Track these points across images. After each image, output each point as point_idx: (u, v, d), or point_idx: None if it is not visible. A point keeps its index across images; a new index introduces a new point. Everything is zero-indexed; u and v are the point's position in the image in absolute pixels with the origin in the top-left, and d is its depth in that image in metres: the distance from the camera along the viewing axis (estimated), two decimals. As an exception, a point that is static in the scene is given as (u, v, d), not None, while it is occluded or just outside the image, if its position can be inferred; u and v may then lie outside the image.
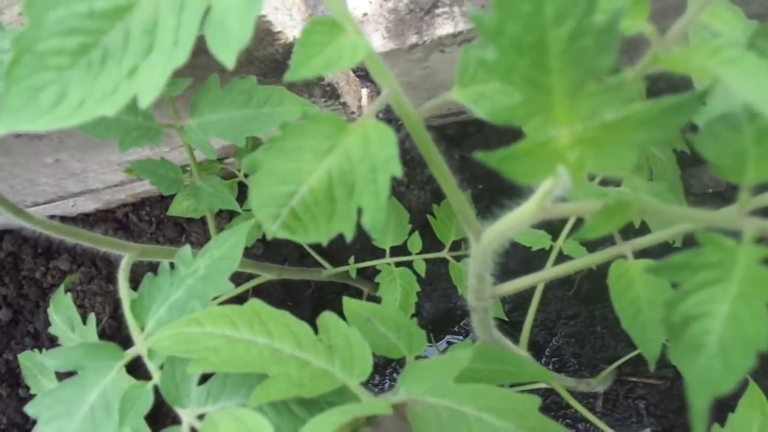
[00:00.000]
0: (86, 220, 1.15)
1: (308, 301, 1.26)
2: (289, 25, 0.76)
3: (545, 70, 0.27)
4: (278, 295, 1.22)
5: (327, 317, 0.53)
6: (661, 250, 0.59)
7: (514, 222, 0.45)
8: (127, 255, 0.75)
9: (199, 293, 0.59)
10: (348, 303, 0.65)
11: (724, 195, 1.14)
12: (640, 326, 0.51)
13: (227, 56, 0.34)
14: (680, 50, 0.31)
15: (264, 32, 0.72)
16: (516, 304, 1.29)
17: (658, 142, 0.28)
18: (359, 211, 0.42)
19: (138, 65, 0.35)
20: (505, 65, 0.27)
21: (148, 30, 0.35)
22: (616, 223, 0.34)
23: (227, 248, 0.62)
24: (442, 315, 1.34)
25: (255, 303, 0.52)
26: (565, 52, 0.26)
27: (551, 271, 0.59)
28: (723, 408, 1.06)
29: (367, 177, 0.40)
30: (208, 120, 0.72)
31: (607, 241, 1.03)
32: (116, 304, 1.13)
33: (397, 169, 0.40)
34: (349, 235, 0.43)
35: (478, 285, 0.60)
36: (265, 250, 1.15)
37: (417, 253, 0.98)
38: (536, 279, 0.61)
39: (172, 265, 0.64)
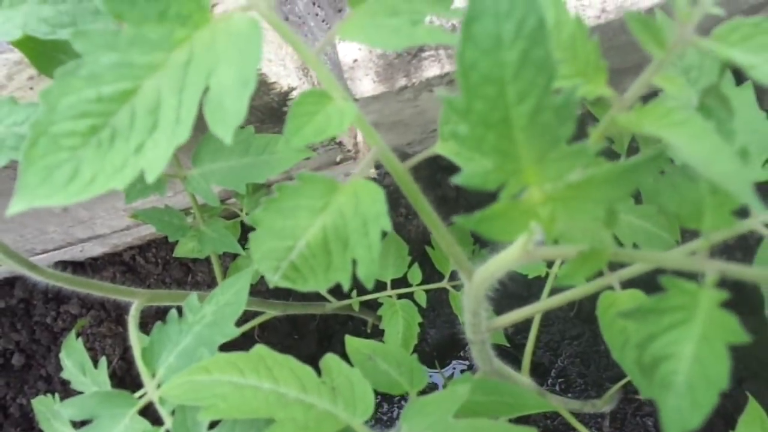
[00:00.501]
0: (94, 264, 1.18)
1: (314, 333, 1.28)
2: (283, 74, 0.79)
3: (512, 141, 0.30)
4: (284, 330, 1.24)
5: (329, 359, 0.55)
6: (649, 278, 0.61)
7: (501, 264, 0.48)
8: (136, 301, 0.77)
9: (206, 340, 0.61)
10: (350, 341, 0.68)
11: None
12: (628, 356, 0.54)
13: (225, 133, 0.37)
14: (635, 114, 0.34)
15: (259, 83, 0.76)
16: (518, 327, 1.30)
17: (621, 199, 0.30)
18: (354, 262, 0.45)
19: (144, 142, 0.38)
20: (476, 138, 0.30)
21: (152, 110, 0.38)
22: (590, 268, 0.36)
23: (232, 294, 0.65)
24: (446, 341, 1.36)
25: (260, 349, 0.54)
26: (528, 126, 0.29)
27: (546, 303, 0.62)
28: (727, 424, 1.07)
29: (360, 231, 0.43)
30: (209, 169, 0.76)
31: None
32: (126, 346, 1.15)
33: (387, 224, 0.42)
34: (346, 285, 0.46)
35: (473, 320, 0.63)
36: (268, 287, 1.18)
37: (417, 284, 1.01)
38: (531, 311, 0.64)
39: (180, 311, 0.67)
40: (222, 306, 0.64)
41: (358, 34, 0.42)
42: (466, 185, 0.31)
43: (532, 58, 0.26)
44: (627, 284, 0.60)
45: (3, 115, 0.52)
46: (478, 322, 0.63)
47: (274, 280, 0.49)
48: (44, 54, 0.64)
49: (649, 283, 0.63)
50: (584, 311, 1.31)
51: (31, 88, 0.70)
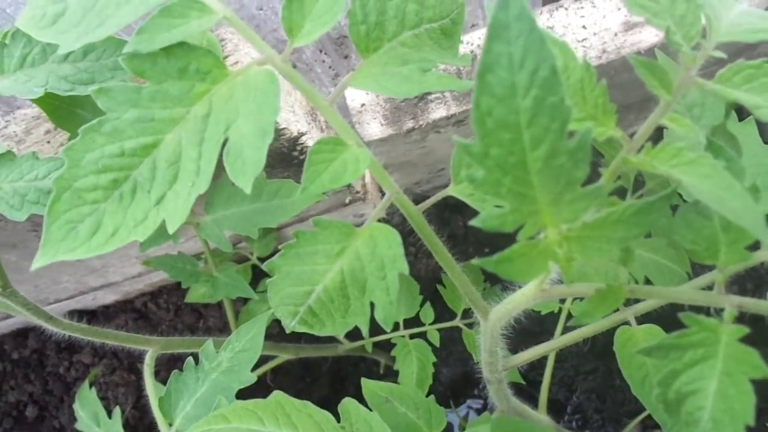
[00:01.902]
0: (106, 312, 1.18)
1: (326, 376, 1.27)
2: (293, 120, 0.81)
3: (528, 185, 0.30)
4: (296, 373, 1.23)
5: (347, 403, 0.55)
6: (664, 311, 0.61)
7: (517, 303, 0.48)
8: (150, 350, 0.77)
9: (223, 387, 0.61)
10: (366, 384, 0.67)
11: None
12: (648, 391, 0.53)
13: (245, 182, 0.38)
14: (647, 155, 0.34)
15: (270, 130, 0.77)
16: (532, 364, 1.28)
17: (636, 238, 0.31)
18: (372, 305, 0.46)
19: (165, 194, 0.39)
20: (492, 182, 0.31)
21: (173, 162, 0.39)
22: (609, 306, 0.37)
23: (248, 339, 0.65)
24: (460, 379, 1.34)
25: (279, 396, 0.54)
26: (543, 169, 0.29)
27: (561, 340, 0.62)
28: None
29: (377, 274, 0.44)
30: (222, 215, 0.77)
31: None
32: (138, 394, 1.15)
33: (404, 266, 0.43)
34: (365, 328, 0.46)
35: (490, 359, 0.63)
36: (280, 329, 1.18)
37: (430, 324, 1.00)
38: (547, 348, 0.64)
39: (196, 359, 0.67)
40: (238, 352, 0.64)
41: (370, 83, 0.44)
42: (484, 227, 0.32)
43: (546, 105, 0.27)
44: (642, 318, 0.60)
45: (25, 170, 0.54)
46: (495, 361, 0.63)
47: (292, 326, 0.50)
48: (62, 109, 0.65)
49: (663, 316, 0.63)
50: (598, 346, 1.29)
51: (48, 142, 0.72)
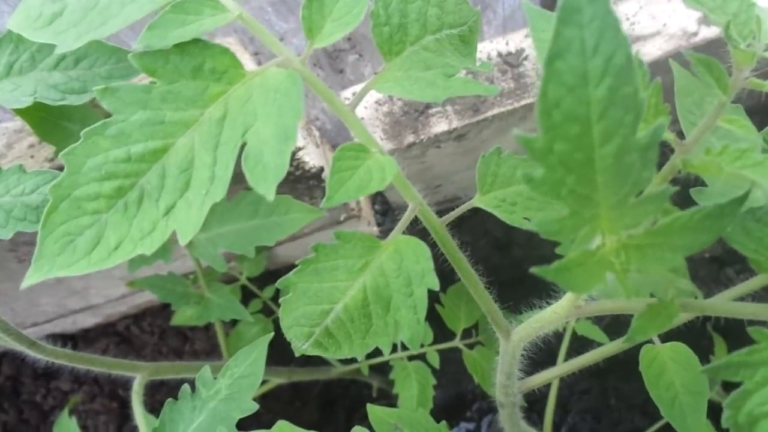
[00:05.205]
0: (86, 336, 1.12)
1: (316, 399, 1.23)
2: (291, 133, 0.77)
3: (592, 185, 0.28)
4: (286, 397, 1.19)
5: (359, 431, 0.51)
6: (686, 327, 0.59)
7: (548, 321, 0.45)
8: (138, 376, 0.73)
9: (223, 416, 0.57)
10: (373, 411, 0.63)
11: (721, 259, 1.15)
12: (679, 413, 0.50)
13: (267, 190, 0.34)
14: (709, 157, 0.32)
15: (268, 143, 0.74)
16: (527, 385, 1.26)
17: (704, 246, 0.29)
18: (396, 325, 0.42)
19: (175, 203, 0.36)
20: (553, 181, 0.28)
21: (185, 168, 0.36)
22: (662, 323, 0.34)
23: (248, 365, 0.61)
24: (453, 401, 1.31)
25: (283, 426, 0.50)
26: (612, 168, 0.27)
27: (581, 359, 0.59)
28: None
29: (403, 291, 0.40)
30: (217, 233, 0.73)
31: (605, 318, 1.03)
32: (120, 423, 1.09)
33: (434, 282, 0.40)
34: (387, 350, 0.43)
35: (507, 381, 0.60)
36: (271, 351, 1.13)
37: (429, 344, 0.97)
38: (564, 370, 0.61)
39: (192, 385, 0.63)
40: (237, 378, 0.60)
41: (395, 86, 0.41)
42: (541, 232, 0.29)
43: (620, 96, 0.25)
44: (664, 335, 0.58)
45: (10, 184, 0.49)
46: (511, 383, 0.60)
47: (303, 349, 0.46)
48: (47, 121, 0.61)
49: (683, 332, 0.61)
50: (592, 364, 1.27)
51: (32, 157, 0.68)
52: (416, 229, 0.48)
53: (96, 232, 0.36)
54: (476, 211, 1.27)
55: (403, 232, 0.43)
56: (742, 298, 0.45)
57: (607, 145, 0.26)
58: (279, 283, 0.42)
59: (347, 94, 0.78)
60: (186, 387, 0.61)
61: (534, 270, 0.28)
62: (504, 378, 0.59)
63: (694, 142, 0.34)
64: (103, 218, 0.36)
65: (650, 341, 0.57)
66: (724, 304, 0.37)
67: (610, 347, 0.52)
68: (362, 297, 0.41)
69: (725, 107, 0.34)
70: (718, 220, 0.28)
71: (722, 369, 0.32)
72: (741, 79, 0.34)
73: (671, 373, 0.53)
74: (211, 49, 0.36)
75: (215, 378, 0.61)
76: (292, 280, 0.42)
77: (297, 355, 0.48)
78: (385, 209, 1.15)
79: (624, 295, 0.31)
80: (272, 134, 0.35)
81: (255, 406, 0.58)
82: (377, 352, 1.02)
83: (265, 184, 0.34)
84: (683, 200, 0.43)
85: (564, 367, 0.61)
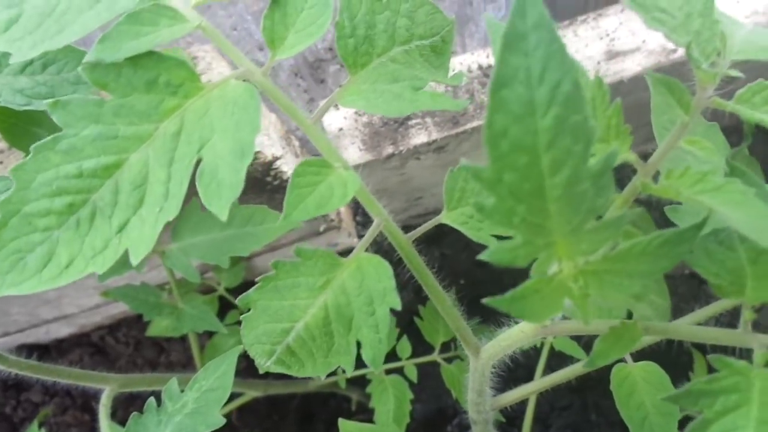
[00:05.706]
0: (59, 346, 1.10)
1: (294, 413, 1.21)
2: (267, 144, 0.77)
3: (544, 214, 0.27)
4: (263, 411, 1.17)
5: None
6: (657, 346, 0.58)
7: (514, 340, 0.45)
8: (107, 388, 0.71)
9: (189, 430, 0.55)
10: (345, 426, 0.62)
11: (701, 276, 1.15)
12: (649, 433, 0.50)
13: (220, 208, 0.33)
14: (667, 179, 0.32)
15: (243, 154, 0.73)
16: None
17: (663, 272, 0.28)
18: (358, 344, 0.41)
19: (128, 220, 0.35)
20: (504, 211, 0.27)
21: (138, 184, 0.35)
22: (624, 346, 0.33)
23: (216, 378, 0.59)
24: (434, 415, 1.30)
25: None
26: (563, 197, 0.26)
27: (553, 377, 0.58)
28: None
29: (365, 310, 0.40)
30: (190, 243, 0.72)
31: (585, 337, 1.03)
32: (93, 435, 1.07)
33: (396, 302, 0.39)
34: (350, 369, 0.42)
35: (478, 399, 0.59)
36: (248, 364, 1.12)
37: (407, 358, 0.96)
38: (537, 387, 0.60)
39: (158, 398, 0.61)
40: (205, 391, 0.58)
41: (359, 100, 0.40)
42: (493, 262, 0.28)
43: (568, 124, 0.24)
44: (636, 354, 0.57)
45: (-30, 192, 0.48)
46: (483, 401, 0.59)
47: (266, 366, 0.45)
48: (17, 127, 0.60)
49: (656, 352, 0.60)
50: (573, 380, 1.27)
51: (1, 162, 0.67)
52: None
53: (47, 250, 0.35)
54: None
55: (383, 247, 0.42)
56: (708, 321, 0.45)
57: (557, 175, 0.25)
58: (239, 300, 0.41)
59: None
60: (152, 400, 0.59)
61: (486, 301, 0.27)
62: (475, 395, 0.58)
63: (656, 164, 0.34)
64: (54, 235, 0.35)
65: (623, 360, 0.57)
66: (687, 327, 0.36)
67: (581, 366, 0.52)
68: (323, 315, 0.40)
69: (687, 128, 0.33)
70: (677, 246, 0.28)
71: (682, 397, 0.31)
72: (704, 99, 0.34)
73: (642, 392, 0.52)
74: (167, 62, 0.35)
75: (182, 391, 0.60)
76: (253, 297, 0.41)
77: (261, 372, 0.47)
78: (367, 220, 1.14)
79: (582, 319, 0.30)
80: (229, 150, 0.34)
81: (222, 421, 0.57)
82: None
83: (219, 202, 0.33)
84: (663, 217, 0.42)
85: (538, 383, 0.60)
